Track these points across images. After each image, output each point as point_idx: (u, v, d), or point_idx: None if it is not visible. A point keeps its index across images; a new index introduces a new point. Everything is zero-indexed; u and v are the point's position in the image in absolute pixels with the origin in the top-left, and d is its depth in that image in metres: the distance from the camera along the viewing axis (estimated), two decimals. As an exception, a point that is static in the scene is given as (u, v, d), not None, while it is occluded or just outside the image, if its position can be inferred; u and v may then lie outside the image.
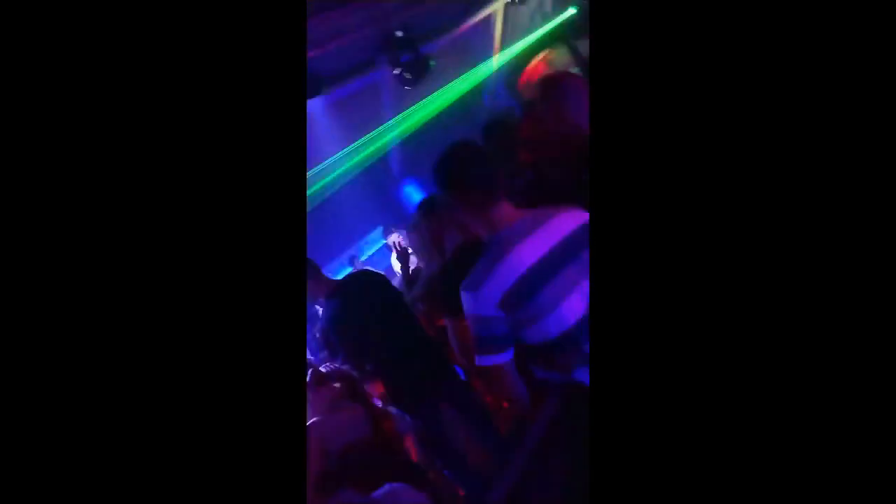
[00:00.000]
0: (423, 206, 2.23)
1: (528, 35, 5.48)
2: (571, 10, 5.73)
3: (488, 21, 4.88)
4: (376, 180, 5.36)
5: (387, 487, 1.17)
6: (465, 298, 1.19)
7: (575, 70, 5.55)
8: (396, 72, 3.68)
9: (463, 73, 5.20)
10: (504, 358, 1.19)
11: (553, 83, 1.74)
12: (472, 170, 1.23)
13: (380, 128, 4.80)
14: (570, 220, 1.24)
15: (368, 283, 2.39)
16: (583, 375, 1.19)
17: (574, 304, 1.18)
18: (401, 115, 4.84)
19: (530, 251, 1.18)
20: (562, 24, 5.63)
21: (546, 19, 5.55)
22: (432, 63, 3.66)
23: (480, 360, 1.21)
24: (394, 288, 2.48)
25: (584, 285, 1.20)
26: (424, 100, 4.94)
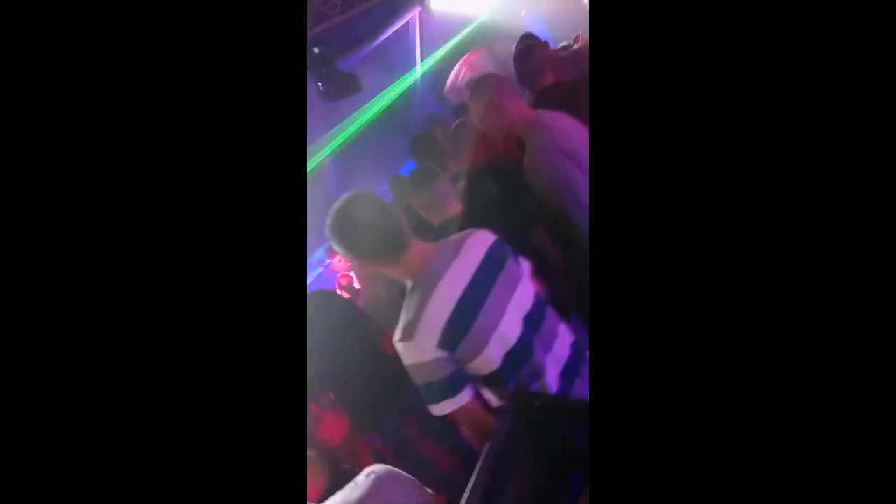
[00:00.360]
0: None
1: (447, 41, 5.57)
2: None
3: (406, 31, 4.91)
4: (313, 199, 5.25)
5: (367, 470, 1.10)
6: (403, 350, 1.11)
7: (496, 72, 5.66)
8: (319, 88, 3.64)
9: (389, 84, 5.20)
10: (462, 399, 1.10)
11: (483, 86, 1.73)
12: (369, 226, 1.14)
13: (311, 145, 4.73)
14: (481, 243, 1.22)
15: (322, 302, 2.35)
16: (537, 387, 1.18)
17: (511, 323, 1.16)
18: (331, 130, 4.79)
19: (454, 284, 1.13)
20: (477, 28, 5.75)
21: (462, 25, 5.65)
22: (357, 81, 3.64)
23: (436, 411, 1.10)
24: (346, 305, 2.45)
25: (517, 298, 1.19)
26: (353, 114, 4.91)
